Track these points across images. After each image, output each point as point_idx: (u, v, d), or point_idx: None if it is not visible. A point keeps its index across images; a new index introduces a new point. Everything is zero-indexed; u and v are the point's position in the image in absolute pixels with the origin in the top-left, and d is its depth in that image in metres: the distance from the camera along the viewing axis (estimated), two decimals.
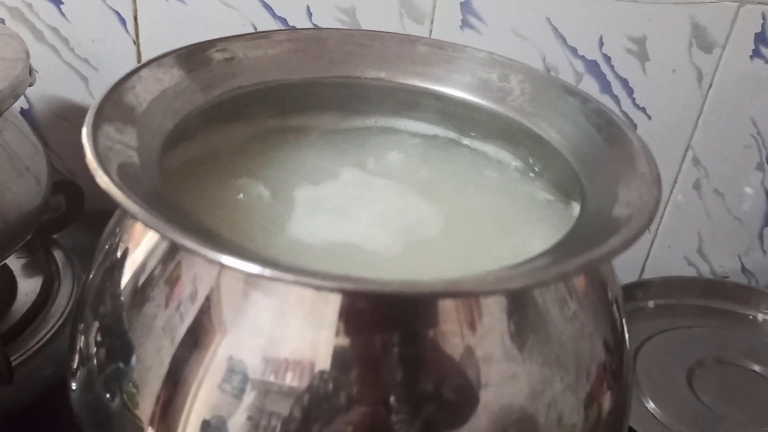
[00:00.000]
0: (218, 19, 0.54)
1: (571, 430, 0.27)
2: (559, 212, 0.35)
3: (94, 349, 0.29)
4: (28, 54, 0.44)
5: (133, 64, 0.31)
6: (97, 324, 0.29)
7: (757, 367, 0.52)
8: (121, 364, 0.27)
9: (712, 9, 0.51)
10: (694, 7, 0.51)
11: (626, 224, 0.26)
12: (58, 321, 0.48)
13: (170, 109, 0.31)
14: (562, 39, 0.53)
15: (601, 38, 0.53)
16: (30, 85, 0.43)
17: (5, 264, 0.50)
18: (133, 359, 0.27)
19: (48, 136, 0.59)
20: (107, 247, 0.30)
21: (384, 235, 0.32)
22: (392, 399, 0.24)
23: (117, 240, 0.30)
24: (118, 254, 0.29)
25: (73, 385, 0.30)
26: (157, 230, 0.23)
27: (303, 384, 0.24)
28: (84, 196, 0.54)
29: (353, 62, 0.37)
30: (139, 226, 0.29)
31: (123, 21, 0.55)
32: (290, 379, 0.24)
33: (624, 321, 0.31)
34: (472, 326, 0.25)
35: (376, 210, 0.34)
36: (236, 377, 0.25)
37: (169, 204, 0.25)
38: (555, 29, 0.53)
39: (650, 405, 0.48)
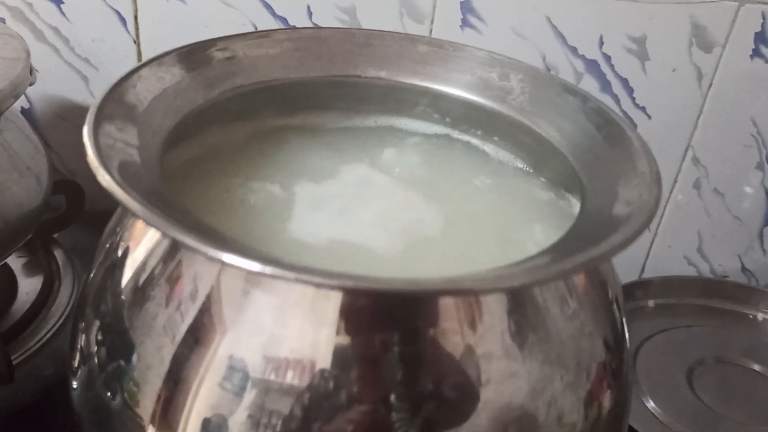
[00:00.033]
0: (218, 19, 0.54)
1: (571, 428, 0.27)
2: (559, 211, 0.35)
3: (95, 348, 0.29)
4: (28, 53, 0.44)
5: (133, 64, 0.31)
6: (98, 323, 0.29)
7: (757, 367, 0.52)
8: (121, 363, 0.27)
9: (712, 8, 0.52)
10: (694, 6, 0.52)
11: (626, 223, 0.26)
12: (58, 320, 0.48)
13: (171, 107, 0.31)
14: (562, 38, 0.53)
15: (601, 38, 0.53)
16: (30, 85, 0.43)
17: (6, 263, 0.50)
18: (134, 358, 0.27)
19: (48, 136, 0.59)
20: (108, 245, 0.30)
21: (384, 235, 0.32)
22: (393, 397, 0.24)
23: (118, 239, 0.30)
24: (119, 253, 0.29)
25: (74, 384, 0.31)
26: (158, 228, 0.23)
27: (303, 382, 0.24)
28: (84, 196, 0.54)
29: (354, 61, 0.37)
30: (139, 225, 0.29)
31: (123, 20, 0.55)
32: (291, 377, 0.24)
33: (624, 320, 0.31)
34: (473, 324, 0.25)
35: (377, 209, 0.34)
36: (237, 375, 0.25)
37: (170, 202, 0.25)
38: (555, 28, 0.53)
39: (650, 404, 0.48)
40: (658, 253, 0.63)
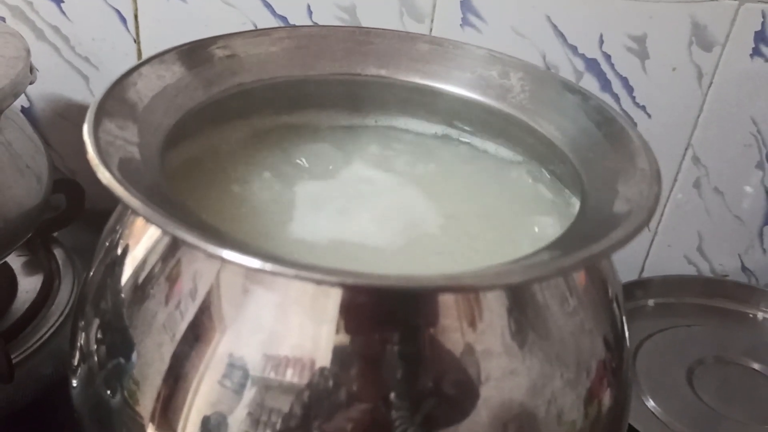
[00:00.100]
0: (218, 18, 0.54)
1: (571, 426, 0.27)
2: (559, 208, 0.35)
3: (95, 346, 0.29)
4: (28, 52, 0.44)
5: (133, 63, 0.31)
6: (97, 321, 0.29)
7: (757, 366, 0.52)
8: (121, 361, 0.27)
9: (712, 7, 0.52)
10: (694, 5, 0.52)
11: (626, 220, 0.26)
12: (58, 319, 0.48)
13: (171, 105, 0.31)
14: (562, 37, 0.53)
15: (601, 36, 0.53)
16: (30, 84, 0.43)
17: (6, 262, 0.50)
18: (134, 356, 0.27)
19: (48, 135, 0.59)
20: (108, 243, 0.30)
21: (385, 233, 0.32)
22: (393, 394, 0.24)
23: (117, 236, 0.30)
24: (119, 251, 0.29)
25: (74, 382, 0.31)
26: (158, 225, 0.23)
27: (303, 379, 0.24)
28: (84, 195, 0.54)
29: (354, 60, 0.37)
30: (139, 222, 0.29)
31: (123, 20, 0.55)
32: (291, 375, 0.24)
33: (624, 318, 0.31)
34: (472, 322, 0.25)
35: (377, 208, 0.34)
36: (237, 373, 0.25)
37: (170, 200, 0.25)
38: (555, 27, 0.53)
39: (650, 403, 0.48)
40: (658, 252, 0.62)
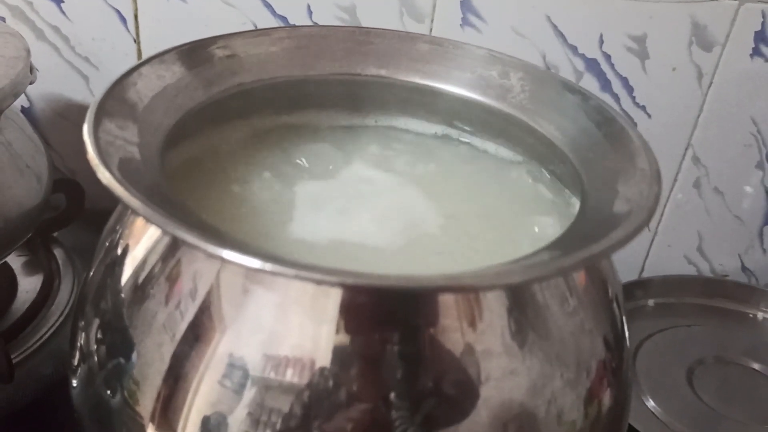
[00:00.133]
0: (219, 18, 0.54)
1: (570, 426, 0.27)
2: (559, 208, 0.35)
3: (95, 346, 0.29)
4: (28, 52, 0.44)
5: (133, 63, 0.31)
6: (97, 321, 0.29)
7: (757, 366, 0.52)
8: (121, 361, 0.27)
9: (712, 7, 0.52)
10: (694, 5, 0.52)
11: (626, 220, 0.26)
12: (58, 319, 0.48)
13: (171, 105, 0.31)
14: (562, 37, 0.53)
15: (601, 36, 0.53)
16: (30, 84, 0.43)
17: (6, 262, 0.50)
18: (134, 355, 0.27)
19: (48, 135, 0.59)
20: (108, 243, 0.30)
21: (385, 233, 0.32)
22: (393, 394, 0.24)
23: (117, 236, 0.30)
24: (119, 251, 0.29)
25: (74, 382, 0.31)
26: (158, 225, 0.23)
27: (303, 379, 0.24)
28: (84, 195, 0.54)
29: (354, 60, 0.37)
30: (139, 222, 0.29)
31: (123, 20, 0.55)
32: (291, 375, 0.24)
33: (624, 318, 0.31)
34: (472, 322, 0.25)
35: (377, 208, 0.34)
36: (237, 373, 0.25)
37: (170, 200, 0.25)
38: (555, 27, 0.53)
39: (650, 403, 0.48)
40: (658, 252, 0.63)
